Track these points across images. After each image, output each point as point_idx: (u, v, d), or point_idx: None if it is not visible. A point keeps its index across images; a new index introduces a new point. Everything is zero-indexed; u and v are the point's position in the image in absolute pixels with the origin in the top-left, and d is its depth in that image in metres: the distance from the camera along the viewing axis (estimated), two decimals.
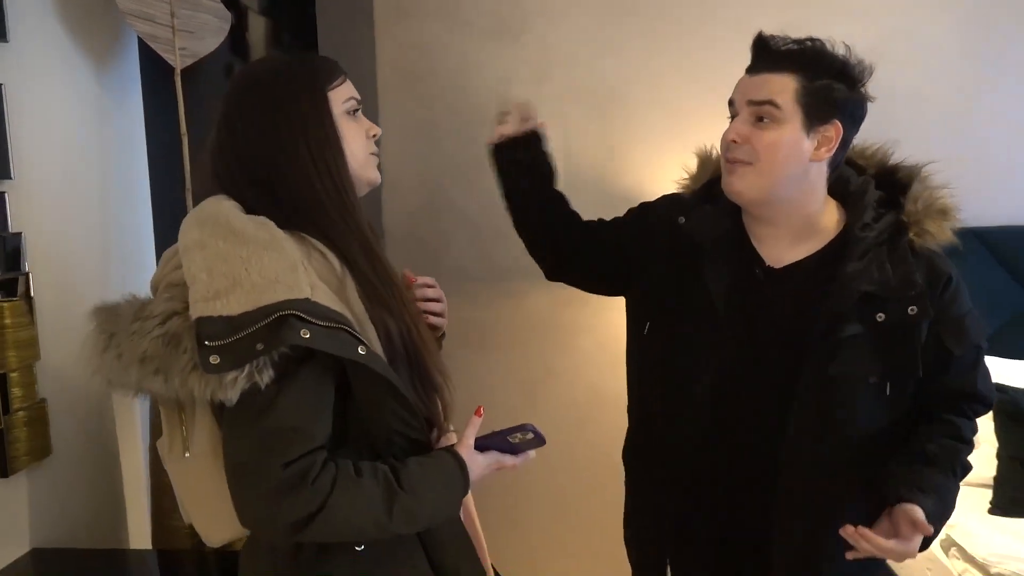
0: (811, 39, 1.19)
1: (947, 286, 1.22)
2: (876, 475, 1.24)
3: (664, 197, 1.39)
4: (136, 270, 1.82)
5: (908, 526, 1.14)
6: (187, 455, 0.98)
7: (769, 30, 2.38)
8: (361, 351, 0.92)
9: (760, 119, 1.17)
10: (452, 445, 1.01)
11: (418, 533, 1.01)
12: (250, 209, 0.98)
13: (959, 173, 2.32)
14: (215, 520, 1.00)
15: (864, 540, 1.13)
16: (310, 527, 0.90)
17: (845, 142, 1.21)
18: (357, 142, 1.06)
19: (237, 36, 2.02)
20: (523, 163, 1.45)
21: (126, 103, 1.78)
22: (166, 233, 1.85)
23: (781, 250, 1.25)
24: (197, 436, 0.99)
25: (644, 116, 2.47)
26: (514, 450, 1.05)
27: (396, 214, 2.40)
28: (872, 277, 1.18)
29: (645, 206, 1.40)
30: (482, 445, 1.05)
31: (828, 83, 1.17)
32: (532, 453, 1.06)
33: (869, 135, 1.98)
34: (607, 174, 2.49)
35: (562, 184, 2.43)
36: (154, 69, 1.79)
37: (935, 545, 1.83)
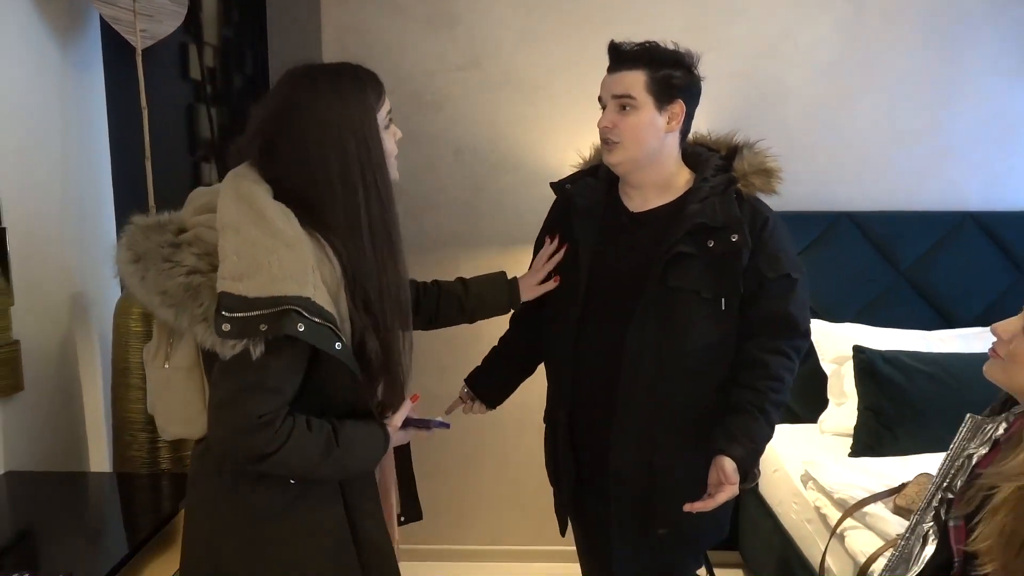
0: (649, 41, 1.44)
1: (764, 225, 1.45)
2: (704, 386, 1.45)
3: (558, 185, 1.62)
4: (99, 231, 1.92)
5: (721, 475, 1.37)
6: (166, 366, 1.16)
7: (674, 29, 2.51)
8: (338, 346, 1.06)
9: (623, 108, 1.43)
10: (384, 420, 1.19)
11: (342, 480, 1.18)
12: (280, 195, 1.08)
13: (839, 162, 2.65)
14: (173, 419, 1.18)
15: (702, 506, 1.37)
16: (264, 462, 1.07)
17: (689, 115, 1.47)
18: (391, 153, 1.18)
19: (191, 16, 2.12)
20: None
21: (89, 79, 1.87)
22: (124, 195, 1.96)
23: (644, 201, 1.50)
24: (177, 354, 1.15)
25: (566, 103, 2.61)
26: (427, 426, 1.27)
27: None
28: (705, 213, 1.41)
29: (550, 215, 1.64)
30: (405, 423, 1.23)
31: (668, 72, 1.42)
32: (435, 431, 1.28)
33: (765, 126, 2.12)
34: (533, 155, 2.63)
35: (491, 164, 2.60)
36: (115, 48, 1.89)
37: (797, 480, 2.08)
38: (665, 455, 1.47)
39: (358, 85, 1.13)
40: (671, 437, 1.46)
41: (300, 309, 1.02)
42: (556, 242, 1.47)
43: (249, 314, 1.01)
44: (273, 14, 2.62)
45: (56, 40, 1.74)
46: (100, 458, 1.82)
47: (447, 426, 1.28)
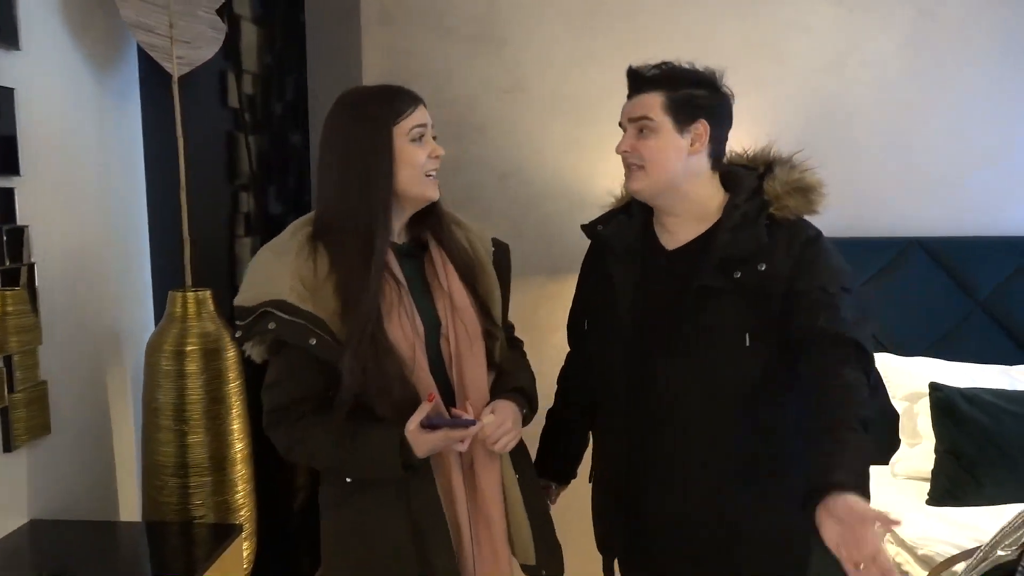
0: (666, 62, 1.41)
1: (806, 244, 1.37)
2: (762, 429, 1.37)
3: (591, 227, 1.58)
4: (133, 265, 1.87)
5: (850, 517, 1.10)
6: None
7: (731, 46, 2.51)
8: (312, 341, 1.18)
9: (641, 131, 1.40)
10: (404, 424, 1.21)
11: (400, 486, 1.25)
12: (316, 216, 1.27)
13: (908, 185, 2.59)
14: None
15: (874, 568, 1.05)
16: (290, 453, 1.27)
17: (717, 136, 1.42)
18: (413, 165, 1.24)
19: (230, 44, 2.08)
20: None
21: (126, 107, 1.84)
22: (161, 228, 1.90)
23: (678, 234, 1.44)
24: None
25: (617, 127, 2.46)
26: (462, 425, 1.23)
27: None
28: (731, 244, 1.36)
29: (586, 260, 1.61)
30: (432, 424, 1.22)
31: (687, 92, 1.38)
32: (487, 427, 1.27)
33: (828, 145, 2.11)
34: (581, 181, 2.58)
35: (537, 190, 2.57)
36: (152, 76, 1.84)
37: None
38: (734, 504, 1.39)
39: (372, 100, 1.24)
40: (735, 484, 1.39)
41: (274, 310, 1.16)
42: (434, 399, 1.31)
43: (245, 321, 1.20)
44: (313, 38, 2.60)
45: (93, 69, 1.71)
46: (130, 505, 1.76)
47: (471, 422, 1.25)
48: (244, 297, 1.21)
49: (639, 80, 1.42)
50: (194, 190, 1.82)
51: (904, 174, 2.55)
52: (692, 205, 1.43)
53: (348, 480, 1.27)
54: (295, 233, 1.25)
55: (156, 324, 1.77)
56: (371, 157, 1.21)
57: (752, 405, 1.38)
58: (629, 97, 1.43)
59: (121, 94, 1.82)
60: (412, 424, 1.20)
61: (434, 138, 1.29)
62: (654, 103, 1.38)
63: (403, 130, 1.23)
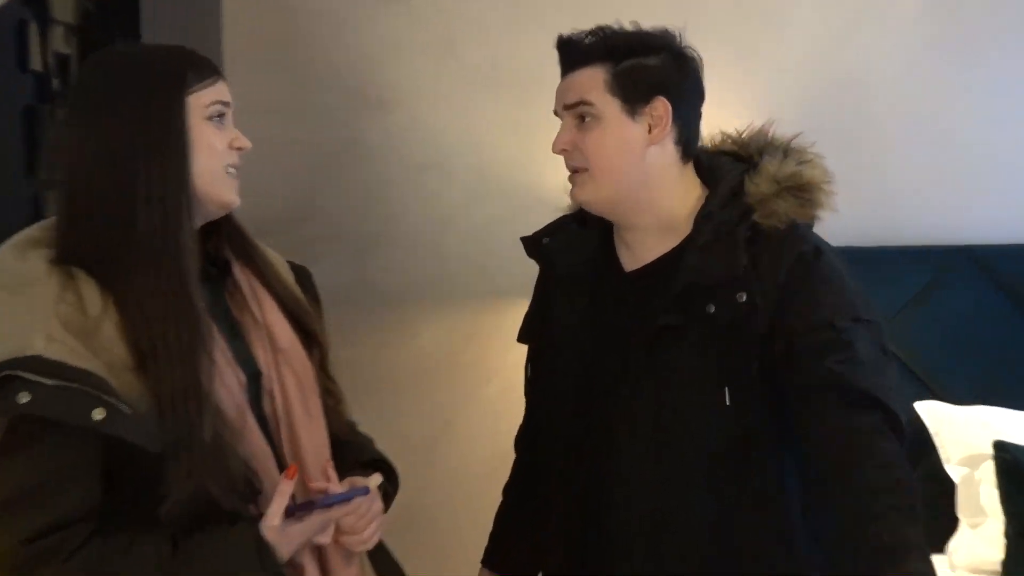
0: (604, 27, 1.31)
1: (798, 262, 1.26)
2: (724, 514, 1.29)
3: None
4: None
5: None
6: None
7: (717, 9, 2.37)
8: (97, 415, 0.98)
9: (583, 120, 1.30)
10: (259, 519, 1.09)
11: None
12: (57, 230, 1.11)
13: (951, 179, 2.43)
14: None
15: None
16: None
17: (682, 114, 1.32)
18: (212, 153, 1.13)
19: None
20: None
21: None
22: None
23: (641, 251, 1.37)
24: None
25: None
26: (342, 500, 1.16)
27: (246, 222, 2.30)
28: (701, 268, 1.27)
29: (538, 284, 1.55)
30: (305, 508, 1.13)
31: (636, 62, 1.29)
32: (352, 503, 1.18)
33: (843, 131, 2.07)
34: (528, 176, 2.37)
35: (467, 189, 2.43)
36: None
37: None
38: None
39: (156, 59, 1.15)
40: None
41: (24, 372, 0.98)
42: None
43: None
44: None
45: None
46: None
47: (365, 492, 1.20)
48: None
49: (572, 52, 1.32)
50: None
51: (941, 166, 2.39)
52: (660, 213, 1.34)
53: None
54: (22, 255, 1.09)
55: None
56: (158, 136, 1.10)
57: (733, 488, 1.29)
58: (562, 76, 1.35)
59: None
60: (273, 518, 1.08)
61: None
62: (594, 82, 1.30)
63: (200, 103, 1.13)
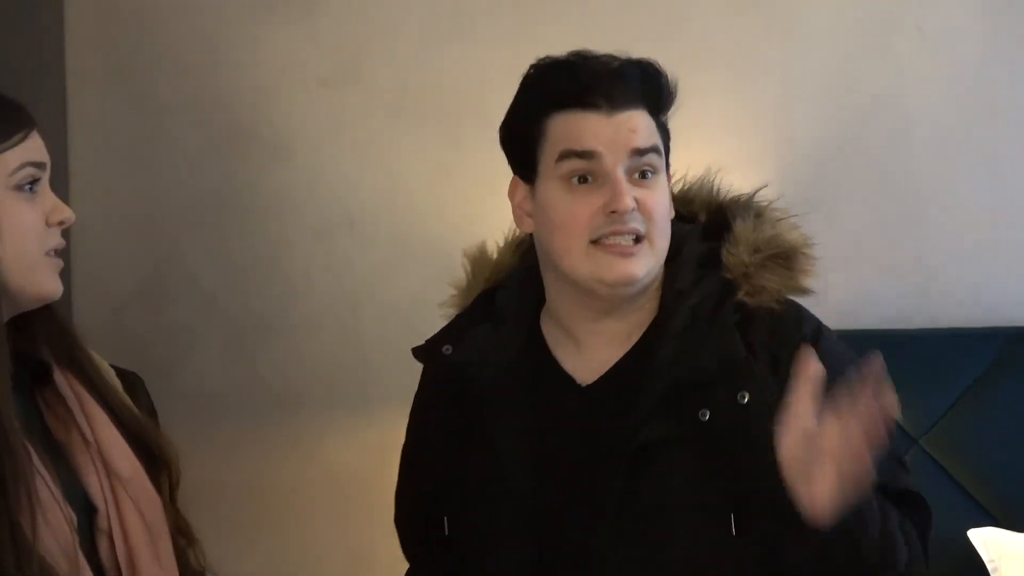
0: (636, 61, 1.35)
1: (801, 346, 1.29)
2: None
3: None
4: None
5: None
6: None
7: (714, 7, 2.39)
8: None
9: (643, 174, 1.31)
10: None
11: None
12: None
13: (1013, 233, 2.36)
14: None
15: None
16: None
17: None
18: (24, 235, 1.12)
19: None
20: None
21: None
22: None
23: (603, 352, 1.37)
24: None
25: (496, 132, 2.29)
26: None
27: (93, 300, 2.23)
28: (686, 361, 1.30)
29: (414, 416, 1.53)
30: None
31: (668, 100, 1.37)
32: None
33: (873, 168, 2.19)
34: (458, 233, 2.08)
35: (384, 258, 2.34)
36: None
37: None
38: None
39: None
40: None
41: None
42: None
43: None
44: None
45: None
46: None
47: None
48: None
49: (630, 83, 1.33)
50: None
51: (1000, 219, 2.29)
52: (646, 299, 1.38)
53: None
54: None
55: None
56: None
57: None
58: (611, 108, 1.31)
59: None
60: None
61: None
62: (651, 128, 1.33)
63: (3, 171, 1.11)
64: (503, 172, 2.09)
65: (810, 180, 2.36)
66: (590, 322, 1.35)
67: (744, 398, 1.25)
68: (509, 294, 1.40)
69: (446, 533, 1.39)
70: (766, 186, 1.38)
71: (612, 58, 1.33)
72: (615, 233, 1.27)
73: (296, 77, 2.24)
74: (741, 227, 1.33)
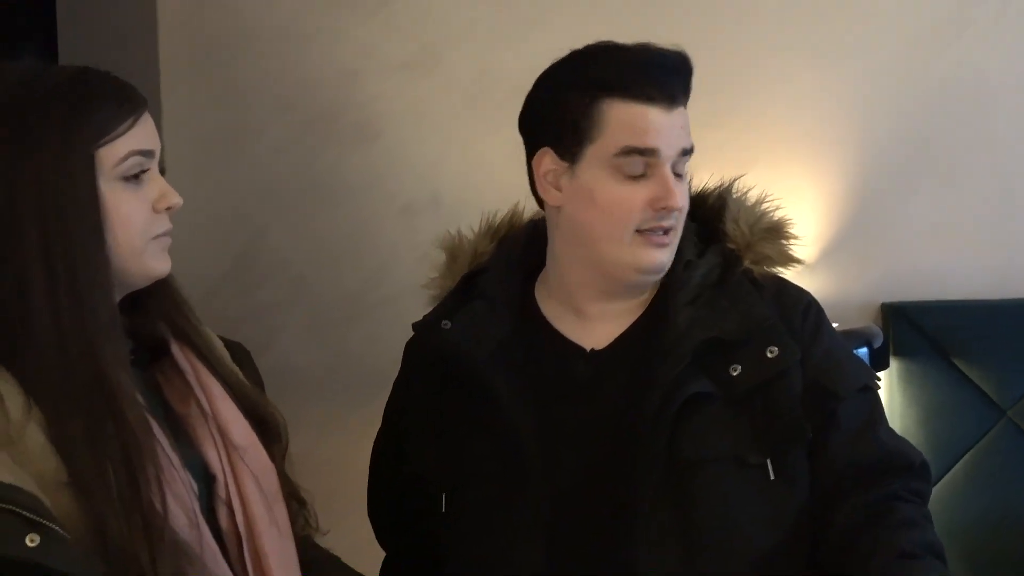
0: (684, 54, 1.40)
1: (807, 314, 1.39)
2: None
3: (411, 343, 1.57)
4: None
5: None
6: None
7: (764, 5, 2.42)
8: (31, 541, 0.99)
9: (678, 174, 1.37)
10: None
11: None
12: None
13: None
14: None
15: None
16: None
17: None
18: (130, 224, 1.13)
19: None
20: None
21: None
22: None
23: (612, 324, 1.41)
24: None
25: None
26: None
27: (185, 284, 2.43)
28: (710, 321, 1.35)
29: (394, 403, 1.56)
30: None
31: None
32: None
33: (951, 156, 2.27)
34: (525, 194, 2.09)
35: (456, 218, 2.28)
36: None
37: None
38: None
39: (49, 100, 1.11)
40: None
41: None
42: None
43: None
44: None
45: None
46: None
47: None
48: None
49: (685, 77, 1.37)
50: None
51: None
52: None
53: None
54: None
55: None
56: (53, 209, 1.09)
57: (771, 569, 1.34)
58: (669, 102, 1.35)
59: None
60: None
61: (162, 172, 1.20)
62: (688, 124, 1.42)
63: (111, 159, 1.11)
64: None
65: (891, 158, 2.36)
66: (602, 300, 1.40)
67: (773, 352, 1.31)
68: (492, 277, 1.44)
69: (443, 510, 1.41)
70: (743, 175, 1.45)
71: (664, 49, 1.36)
72: (658, 226, 1.33)
73: (378, 62, 2.27)
74: (735, 203, 1.40)
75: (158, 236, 1.17)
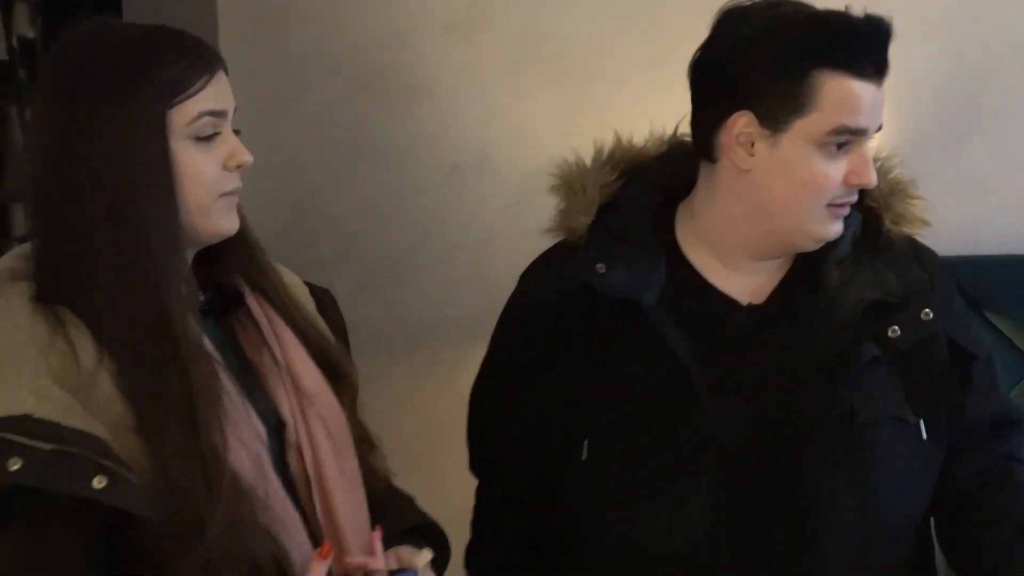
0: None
1: (943, 275, 1.42)
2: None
3: (541, 263, 1.56)
4: None
5: None
6: None
7: None
8: (98, 483, 1.02)
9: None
10: None
11: None
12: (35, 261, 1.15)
13: None
14: None
15: None
16: None
17: None
18: (199, 183, 1.14)
19: None
20: None
21: None
22: None
23: (758, 278, 1.41)
24: None
25: (634, 81, 2.38)
26: None
27: None
28: (870, 281, 1.35)
29: (505, 338, 1.55)
30: None
31: None
32: None
33: (1006, 112, 2.32)
34: (569, 155, 2.15)
35: (512, 190, 2.43)
36: None
37: None
38: None
39: (121, 59, 1.12)
40: None
41: (12, 435, 1.02)
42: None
43: None
44: None
45: None
46: None
47: (413, 575, 1.26)
48: None
49: (886, 50, 1.33)
50: None
51: None
52: None
53: None
54: (2, 295, 1.13)
55: None
56: (125, 165, 1.10)
57: (918, 522, 1.41)
58: (877, 76, 1.33)
59: None
60: None
61: (236, 132, 1.19)
62: None
63: (183, 119, 1.11)
64: (623, 111, 2.15)
65: (933, 115, 2.35)
66: (760, 258, 1.39)
67: (929, 315, 1.33)
68: (630, 216, 1.40)
69: (583, 458, 1.39)
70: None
71: (873, 17, 1.31)
72: (847, 201, 1.33)
73: (426, 23, 2.30)
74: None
75: (226, 194, 1.18)
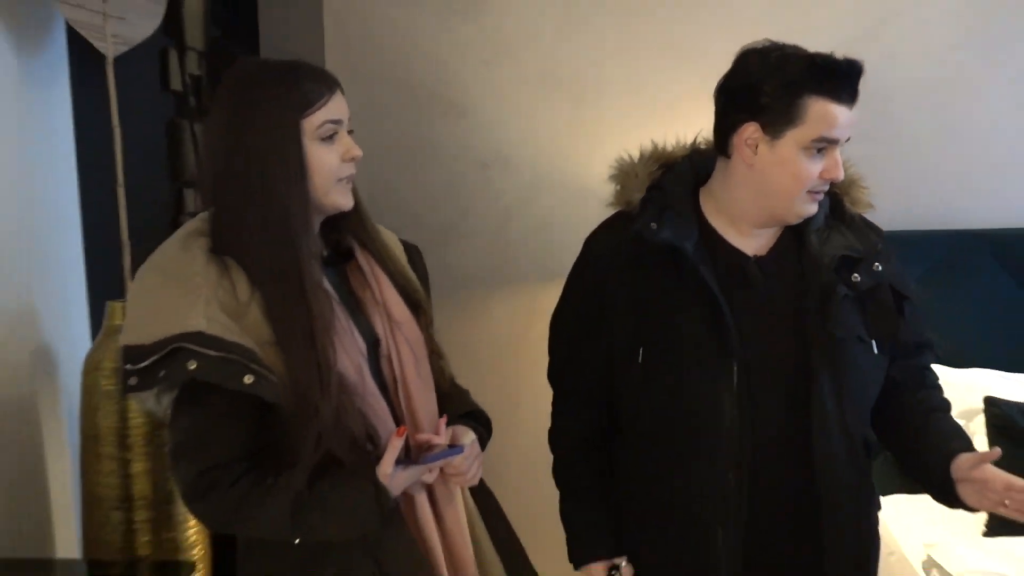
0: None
1: (886, 243, 1.60)
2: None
3: (603, 228, 1.63)
4: (62, 271, 1.99)
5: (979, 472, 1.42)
6: None
7: (749, 12, 2.60)
8: (247, 380, 1.15)
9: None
10: (374, 469, 1.24)
11: (368, 543, 1.28)
12: (211, 224, 1.24)
13: (964, 170, 2.69)
14: None
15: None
16: (229, 527, 1.26)
17: None
18: (324, 171, 1.23)
19: (172, 17, 2.22)
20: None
21: (52, 93, 1.96)
22: (96, 230, 2.04)
23: (760, 239, 1.56)
24: None
25: (619, 103, 2.62)
26: (433, 460, 1.30)
27: None
28: (841, 242, 1.53)
29: (584, 267, 1.63)
30: (410, 462, 1.29)
31: None
32: (455, 459, 1.33)
33: (863, 127, 1.92)
34: (579, 171, 2.65)
35: (527, 182, 2.69)
36: (83, 57, 1.98)
37: (918, 566, 2.09)
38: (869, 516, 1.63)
39: (272, 83, 1.22)
40: (866, 520, 1.62)
41: (189, 345, 1.14)
42: None
43: (146, 363, 1.16)
44: (267, 8, 2.70)
45: (14, 51, 1.81)
46: (68, 541, 1.87)
47: (459, 451, 1.32)
48: (139, 334, 1.18)
49: (857, 82, 1.46)
50: (133, 187, 1.94)
51: (958, 158, 2.66)
52: None
53: (296, 543, 1.27)
54: (186, 246, 1.23)
55: (93, 339, 1.89)
56: (275, 162, 1.22)
57: (869, 425, 1.60)
58: (851, 101, 1.45)
59: (47, 79, 1.93)
60: (387, 466, 1.23)
61: (350, 132, 1.29)
62: None
63: (312, 126, 1.22)
64: (614, 126, 2.55)
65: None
66: (761, 226, 1.55)
67: (879, 268, 1.53)
68: (672, 193, 1.54)
69: (640, 361, 1.51)
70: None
71: (850, 59, 1.44)
72: (821, 189, 1.49)
73: (466, 57, 2.60)
74: None
75: (343, 179, 1.27)
